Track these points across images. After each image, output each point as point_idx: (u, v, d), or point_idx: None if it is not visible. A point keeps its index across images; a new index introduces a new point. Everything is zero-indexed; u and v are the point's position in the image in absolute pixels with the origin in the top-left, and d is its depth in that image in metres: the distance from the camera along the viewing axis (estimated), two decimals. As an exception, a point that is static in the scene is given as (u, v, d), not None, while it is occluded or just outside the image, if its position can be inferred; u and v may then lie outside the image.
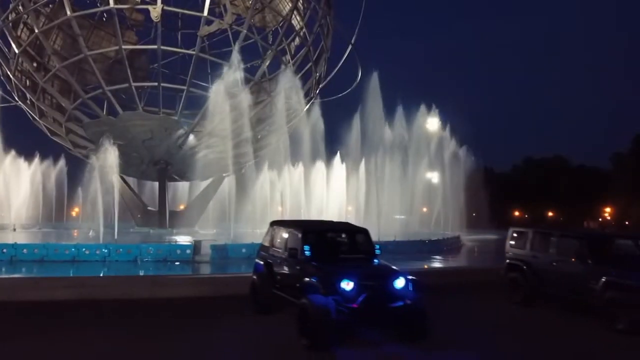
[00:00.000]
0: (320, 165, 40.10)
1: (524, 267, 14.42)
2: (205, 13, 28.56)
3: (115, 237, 22.51)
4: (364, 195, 40.44)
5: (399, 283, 10.20)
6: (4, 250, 17.47)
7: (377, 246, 11.58)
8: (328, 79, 36.83)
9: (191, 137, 28.49)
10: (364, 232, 12.03)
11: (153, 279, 14.83)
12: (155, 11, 27.07)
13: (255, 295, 11.95)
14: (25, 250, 17.60)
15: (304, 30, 35.75)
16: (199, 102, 30.80)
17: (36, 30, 28.43)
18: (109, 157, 25.78)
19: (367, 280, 10.11)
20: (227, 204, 35.20)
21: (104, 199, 27.37)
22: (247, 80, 29.70)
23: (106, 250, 17.82)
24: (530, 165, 74.82)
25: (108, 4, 28.54)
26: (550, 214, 72.79)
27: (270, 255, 12.03)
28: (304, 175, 39.75)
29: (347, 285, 9.82)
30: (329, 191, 40.73)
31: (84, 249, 17.78)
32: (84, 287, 12.98)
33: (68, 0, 28.14)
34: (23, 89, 29.71)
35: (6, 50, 30.14)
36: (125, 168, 30.38)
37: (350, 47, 36.37)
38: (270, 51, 32.48)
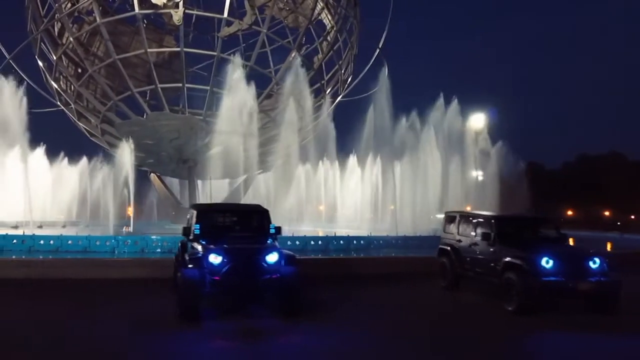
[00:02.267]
0: (353, 163, 40.47)
1: (450, 251, 14.54)
2: (225, 15, 29.31)
3: (131, 229, 23.58)
4: (404, 194, 40.26)
5: (271, 258, 10.82)
6: (24, 241, 19.07)
7: (273, 226, 12.19)
8: (356, 80, 36.94)
9: (217, 137, 29.36)
10: (261, 212, 12.70)
11: (93, 261, 16.59)
12: (177, 15, 28.19)
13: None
14: (42, 242, 18.97)
15: (334, 29, 36.19)
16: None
17: (71, 39, 30.01)
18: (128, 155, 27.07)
19: (234, 254, 10.72)
20: (263, 201, 36.28)
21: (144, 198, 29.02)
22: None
23: (115, 242, 18.90)
24: (583, 162, 71.91)
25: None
26: (606, 213, 69.66)
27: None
28: (337, 173, 40.47)
29: (215, 259, 10.51)
30: (364, 190, 40.80)
31: (95, 241, 18.94)
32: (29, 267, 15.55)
33: (98, 8, 29.48)
34: (62, 93, 31.50)
35: (52, 57, 31.97)
36: (157, 167, 31.79)
37: (377, 51, 36.42)
38: (293, 51, 32.89)
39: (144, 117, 30.54)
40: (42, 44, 30.98)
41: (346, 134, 37.16)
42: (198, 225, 11.79)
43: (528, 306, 11.57)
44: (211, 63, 37.44)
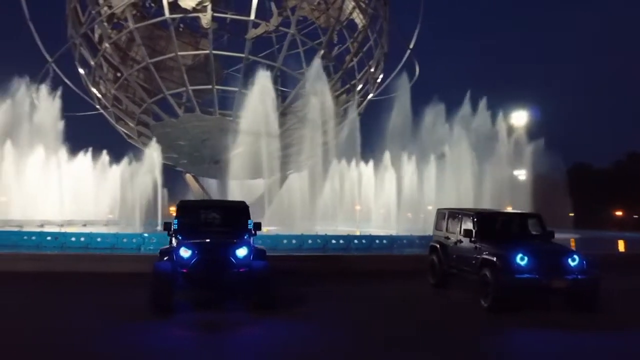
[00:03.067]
0: (387, 162, 40.21)
1: (439, 248, 14.41)
2: (252, 17, 29.84)
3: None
4: (440, 194, 39.80)
5: (240, 252, 11.22)
6: (57, 238, 19.91)
7: (251, 222, 12.56)
8: (388, 79, 36.89)
9: (244, 137, 29.97)
10: (240, 209, 13.15)
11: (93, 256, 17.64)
12: (206, 18, 29.05)
13: None
14: (73, 239, 19.81)
15: (365, 28, 36.26)
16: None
17: (106, 45, 31.22)
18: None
19: (203, 248, 11.20)
20: (297, 200, 36.67)
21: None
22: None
23: (141, 239, 19.59)
24: (635, 160, 68.74)
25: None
26: (660, 213, 66.42)
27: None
28: (371, 172, 40.32)
29: (185, 252, 11.02)
30: (398, 189, 40.51)
31: (122, 238, 19.68)
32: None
33: (131, 15, 30.55)
34: (102, 97, 32.84)
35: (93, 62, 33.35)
36: (190, 167, 32.69)
37: (408, 52, 36.24)
38: (320, 51, 33.13)
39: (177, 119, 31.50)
40: (81, 49, 32.23)
41: (379, 133, 37.12)
42: (177, 221, 12.28)
43: (502, 303, 11.49)
44: (248, 65, 38.43)
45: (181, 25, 37.54)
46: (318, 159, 37.19)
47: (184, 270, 10.95)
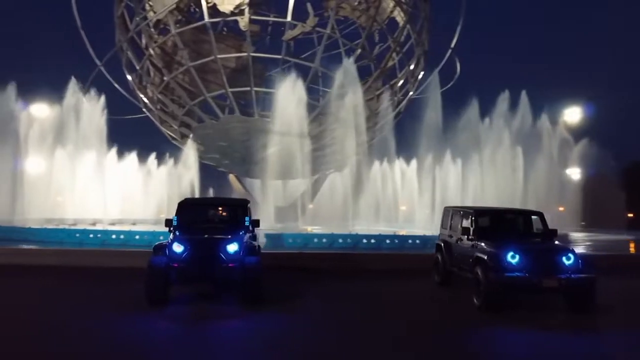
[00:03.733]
0: (430, 160, 39.71)
1: (443, 246, 14.23)
2: (289, 18, 30.14)
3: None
4: (485, 194, 39.06)
5: (231, 248, 11.67)
6: (99, 235, 20.80)
7: (248, 219, 13.07)
8: (429, 78, 36.41)
9: (282, 138, 30.31)
10: (238, 206, 13.74)
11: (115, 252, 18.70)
12: (243, 21, 29.60)
13: None
14: (113, 236, 20.69)
15: (406, 27, 35.98)
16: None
17: (150, 50, 32.30)
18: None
19: (194, 244, 11.75)
20: (339, 200, 36.82)
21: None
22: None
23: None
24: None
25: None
26: None
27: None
28: (412, 172, 39.95)
29: (178, 247, 11.59)
30: (443, 188, 39.97)
31: (159, 236, 20.32)
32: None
33: (172, 20, 31.50)
34: (147, 100, 34.03)
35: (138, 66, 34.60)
36: (232, 167, 33.39)
37: (449, 51, 35.73)
38: (358, 50, 33.11)
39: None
40: (128, 54, 33.48)
41: (420, 131, 36.71)
42: (176, 217, 12.81)
43: (492, 302, 11.34)
44: (290, 66, 38.90)
45: (224, 28, 38.36)
46: (358, 158, 37.36)
47: (177, 265, 11.49)
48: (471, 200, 39.40)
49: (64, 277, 15.54)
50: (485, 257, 11.67)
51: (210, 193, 43.11)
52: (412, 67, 34.75)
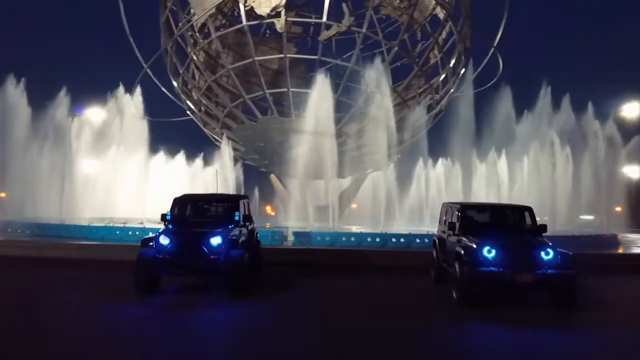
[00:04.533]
0: (475, 159, 38.84)
1: (437, 242, 13.96)
2: (324, 19, 30.28)
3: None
4: (544, 194, 37.96)
5: (214, 241, 12.16)
6: (137, 233, 21.70)
7: (238, 214, 13.58)
8: (474, 75, 35.77)
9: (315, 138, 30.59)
10: (230, 201, 14.38)
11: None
12: (280, 23, 30.04)
13: None
14: (150, 234, 21.39)
15: (447, 23, 35.46)
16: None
17: (193, 56, 33.20)
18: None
19: (179, 236, 12.37)
20: (381, 200, 36.66)
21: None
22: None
23: None
24: None
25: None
26: None
27: None
28: (458, 171, 39.15)
29: (164, 240, 12.24)
30: (488, 187, 39.05)
31: None
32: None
33: (212, 23, 32.31)
34: (190, 102, 35.05)
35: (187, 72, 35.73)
36: (271, 167, 33.86)
37: (492, 50, 35.01)
38: (395, 48, 32.93)
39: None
40: (173, 57, 34.59)
41: (464, 130, 36.00)
42: (170, 212, 13.52)
43: (468, 297, 11.27)
44: (330, 67, 39.12)
45: (267, 31, 39.02)
46: (398, 157, 37.06)
47: (162, 256, 12.12)
48: (516, 200, 38.39)
49: (77, 269, 16.57)
50: (462, 252, 11.63)
51: (256, 193, 44.00)
52: (452, 64, 34.12)
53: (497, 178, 37.83)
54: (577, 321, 11.01)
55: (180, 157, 40.54)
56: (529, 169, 36.65)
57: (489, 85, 37.80)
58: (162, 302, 12.30)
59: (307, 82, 38.24)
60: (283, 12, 30.27)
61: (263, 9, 30.24)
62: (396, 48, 32.66)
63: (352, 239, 22.00)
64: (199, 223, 13.48)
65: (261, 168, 35.92)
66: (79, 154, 33.65)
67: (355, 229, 29.27)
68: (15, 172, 33.13)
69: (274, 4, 30.17)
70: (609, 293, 14.34)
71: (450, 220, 13.27)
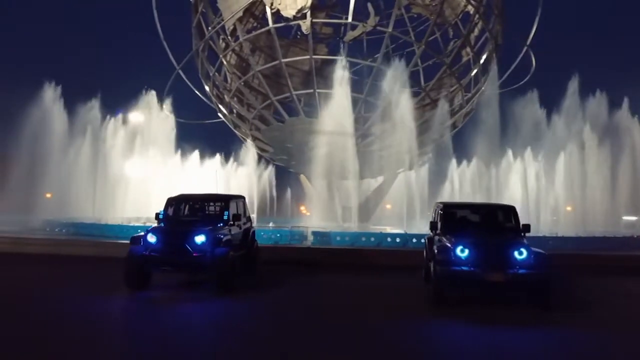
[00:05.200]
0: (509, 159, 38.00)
1: (426, 242, 13.86)
2: (350, 19, 30.32)
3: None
4: (585, 194, 36.96)
5: (198, 239, 12.62)
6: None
7: (227, 213, 14.07)
8: (506, 74, 35.11)
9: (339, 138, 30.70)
10: (219, 201, 14.81)
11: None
12: (305, 24, 30.25)
13: None
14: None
15: (482, 19, 34.91)
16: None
17: (223, 59, 33.84)
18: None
19: (165, 234, 12.87)
20: (414, 200, 36.40)
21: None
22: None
23: None
24: None
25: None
26: None
27: None
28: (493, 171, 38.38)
29: (151, 238, 12.73)
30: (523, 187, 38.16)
31: None
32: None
33: (241, 27, 32.81)
34: (220, 105, 35.76)
35: (218, 74, 36.49)
36: (299, 168, 34.11)
37: (525, 48, 34.26)
38: (420, 47, 32.67)
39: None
40: (204, 60, 35.38)
41: (497, 128, 35.28)
42: (162, 212, 14.03)
43: (439, 295, 11.39)
44: (362, 68, 39.12)
45: (298, 33, 39.31)
46: (429, 157, 36.70)
47: (145, 253, 12.69)
48: (553, 199, 37.40)
49: (81, 265, 17.51)
50: (436, 251, 11.76)
51: (288, 193, 44.49)
52: (483, 62, 33.58)
53: (531, 178, 37.06)
54: (546, 321, 10.89)
55: (215, 158, 41.36)
56: (565, 168, 35.61)
57: (521, 83, 36.92)
58: (149, 296, 12.81)
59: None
60: (309, 14, 30.42)
61: (289, 11, 30.57)
62: (423, 47, 32.19)
63: (372, 239, 22.01)
64: (188, 222, 14.01)
65: (290, 169, 36.31)
66: (115, 156, 34.81)
67: (389, 229, 29.20)
68: (58, 174, 34.71)
69: (299, 6, 30.44)
70: (613, 293, 14.31)
71: (432, 220, 13.30)
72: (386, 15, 36.66)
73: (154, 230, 13.09)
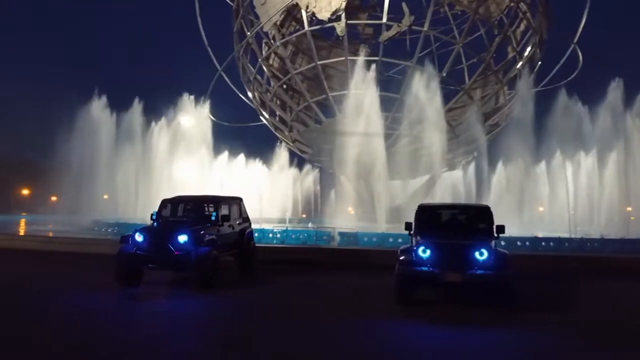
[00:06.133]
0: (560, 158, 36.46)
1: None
2: (384, 20, 30.10)
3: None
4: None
5: (181, 238, 13.16)
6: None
7: (214, 214, 14.61)
8: (553, 72, 33.83)
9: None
10: (209, 202, 15.44)
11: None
12: (340, 26, 30.32)
13: None
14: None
15: (528, 15, 33.80)
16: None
17: (266, 63, 34.34)
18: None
19: (150, 234, 13.54)
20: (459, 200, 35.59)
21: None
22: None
23: (261, 234, 22.39)
24: None
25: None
26: None
27: None
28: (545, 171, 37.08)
29: (139, 237, 13.38)
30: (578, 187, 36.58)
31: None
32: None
33: (277, 31, 33.22)
34: (262, 108, 36.34)
35: (259, 78, 37.15)
36: (338, 169, 34.10)
37: (572, 46, 32.91)
38: (459, 45, 31.86)
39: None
40: (246, 63, 36.10)
41: (543, 128, 33.95)
42: (156, 212, 14.75)
43: (401, 294, 11.54)
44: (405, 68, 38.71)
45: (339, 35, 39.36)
46: (474, 157, 35.85)
47: (137, 252, 13.33)
48: (607, 199, 35.54)
49: (92, 263, 18.32)
50: (399, 252, 11.96)
51: (332, 194, 44.54)
52: (528, 58, 32.50)
53: (584, 178, 35.52)
54: (507, 321, 10.79)
55: (256, 161, 42.24)
56: (616, 168, 33.81)
57: (568, 80, 35.41)
58: (136, 292, 13.44)
59: (382, 83, 38.26)
60: (343, 16, 30.45)
61: (324, 14, 30.76)
62: (461, 45, 31.52)
63: (400, 240, 21.72)
64: (175, 222, 14.56)
65: (330, 170, 36.41)
66: (159, 159, 36.13)
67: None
68: (112, 176, 36.50)
69: (334, 8, 30.57)
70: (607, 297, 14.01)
71: (406, 221, 13.15)
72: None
73: (141, 230, 13.82)
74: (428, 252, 11.40)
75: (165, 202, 15.37)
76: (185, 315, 11.37)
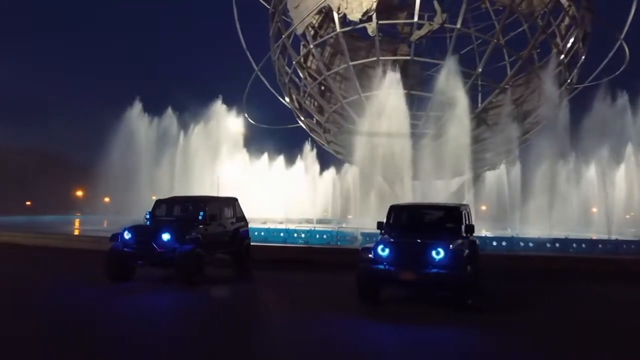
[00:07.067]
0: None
1: None
2: (416, 19, 29.71)
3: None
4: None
5: (165, 237, 13.76)
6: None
7: (202, 213, 15.01)
8: (599, 69, 32.35)
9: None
10: (198, 202, 15.73)
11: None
12: (371, 27, 30.30)
13: None
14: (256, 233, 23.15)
15: (572, 8, 32.46)
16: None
17: (302, 65, 34.60)
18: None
19: (137, 232, 14.23)
20: (505, 201, 34.58)
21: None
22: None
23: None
24: None
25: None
26: None
27: None
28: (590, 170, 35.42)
29: (127, 235, 14.06)
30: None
31: (293, 233, 23.69)
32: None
33: (309, 33, 33.36)
34: (298, 110, 36.60)
35: (297, 80, 37.48)
36: (373, 170, 33.80)
37: (619, 42, 32.07)
38: (495, 41, 30.95)
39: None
40: (282, 65, 36.48)
41: (590, 125, 32.36)
42: (149, 212, 15.31)
43: (362, 292, 11.76)
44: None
45: (380, 34, 39.04)
46: (515, 156, 34.66)
47: (123, 249, 14.01)
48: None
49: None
50: (361, 250, 12.18)
51: (372, 195, 44.23)
52: (572, 53, 31.23)
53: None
54: (451, 320, 10.86)
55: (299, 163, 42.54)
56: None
57: (613, 76, 33.72)
58: (125, 287, 13.96)
59: (424, 82, 37.70)
60: (374, 16, 30.32)
61: (355, 15, 30.72)
62: (495, 41, 30.69)
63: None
64: (164, 221, 15.06)
65: (364, 170, 36.14)
66: (197, 161, 37.07)
67: (485, 231, 28.09)
68: (158, 178, 37.81)
69: (365, 9, 30.46)
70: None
71: (379, 220, 13.24)
72: (469, 10, 35.29)
73: (129, 229, 14.46)
74: (387, 250, 11.56)
75: (159, 203, 16.04)
76: (153, 309, 11.84)
